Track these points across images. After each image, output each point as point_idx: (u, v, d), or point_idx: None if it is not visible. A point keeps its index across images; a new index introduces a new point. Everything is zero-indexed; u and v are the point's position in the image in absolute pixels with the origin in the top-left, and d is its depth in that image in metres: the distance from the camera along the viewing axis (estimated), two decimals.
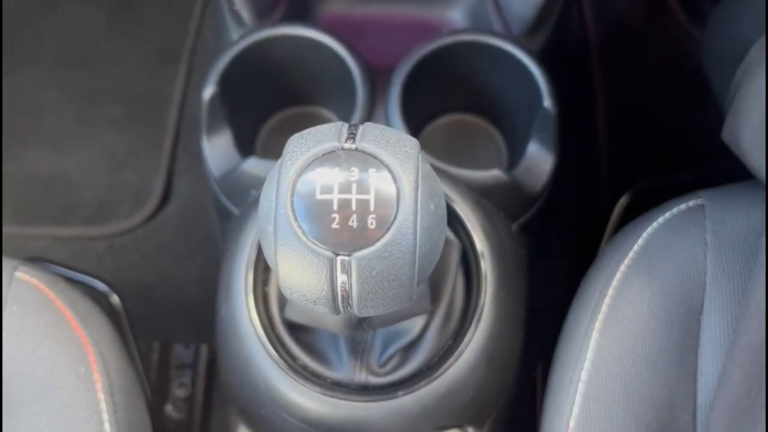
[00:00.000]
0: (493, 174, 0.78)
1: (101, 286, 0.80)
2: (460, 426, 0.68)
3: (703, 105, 0.88)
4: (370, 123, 0.44)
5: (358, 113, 0.80)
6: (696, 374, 0.60)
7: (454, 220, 0.69)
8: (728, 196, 0.67)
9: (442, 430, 0.67)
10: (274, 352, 0.64)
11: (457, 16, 0.95)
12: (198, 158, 0.86)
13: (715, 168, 0.76)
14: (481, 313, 0.66)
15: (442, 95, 0.88)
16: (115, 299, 0.81)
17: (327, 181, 0.41)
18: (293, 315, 0.65)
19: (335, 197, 0.41)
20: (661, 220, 0.66)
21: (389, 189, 0.41)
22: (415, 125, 0.82)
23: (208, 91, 0.81)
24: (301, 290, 0.43)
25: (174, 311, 1.12)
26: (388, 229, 0.41)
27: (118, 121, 1.26)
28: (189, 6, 1.33)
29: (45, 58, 1.31)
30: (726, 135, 0.66)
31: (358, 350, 0.65)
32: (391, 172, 0.42)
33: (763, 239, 0.59)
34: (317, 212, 0.41)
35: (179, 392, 1.03)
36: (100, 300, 0.77)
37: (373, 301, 0.42)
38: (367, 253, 0.41)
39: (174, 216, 1.19)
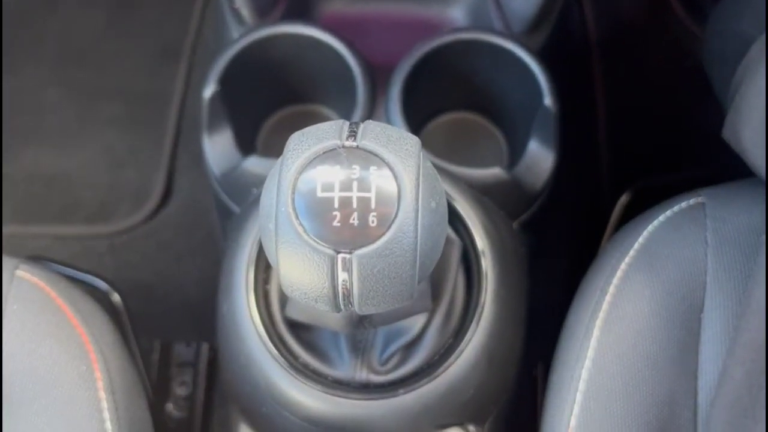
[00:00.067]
0: (493, 172, 0.78)
1: (102, 285, 0.80)
2: (460, 424, 0.68)
3: (704, 103, 0.88)
4: (371, 121, 0.44)
5: (358, 111, 0.80)
6: (697, 372, 0.60)
7: (454, 218, 0.69)
8: (729, 194, 0.67)
9: (443, 428, 0.67)
10: (275, 351, 0.64)
11: (457, 14, 0.95)
12: (198, 157, 0.86)
13: (715, 166, 0.76)
14: (481, 312, 0.66)
15: (442, 93, 0.88)
16: (115, 298, 0.81)
17: (328, 179, 0.41)
18: (294, 313, 0.65)
19: (336, 195, 0.41)
20: (661, 218, 0.66)
21: (390, 187, 0.41)
22: (415, 123, 0.82)
23: (209, 90, 0.81)
24: (302, 288, 0.43)
25: (175, 310, 1.12)
26: (389, 227, 0.41)
27: (118, 120, 1.26)
28: (189, 5, 1.33)
29: (45, 57, 1.31)
30: (726, 133, 0.66)
31: (359, 348, 0.65)
32: (392, 169, 0.41)
33: (764, 237, 0.59)
34: (318, 210, 0.41)
35: (180, 391, 1.03)
36: (100, 299, 0.77)
37: (373, 299, 0.42)
38: (368, 251, 0.41)
39: (175, 215, 1.19)
